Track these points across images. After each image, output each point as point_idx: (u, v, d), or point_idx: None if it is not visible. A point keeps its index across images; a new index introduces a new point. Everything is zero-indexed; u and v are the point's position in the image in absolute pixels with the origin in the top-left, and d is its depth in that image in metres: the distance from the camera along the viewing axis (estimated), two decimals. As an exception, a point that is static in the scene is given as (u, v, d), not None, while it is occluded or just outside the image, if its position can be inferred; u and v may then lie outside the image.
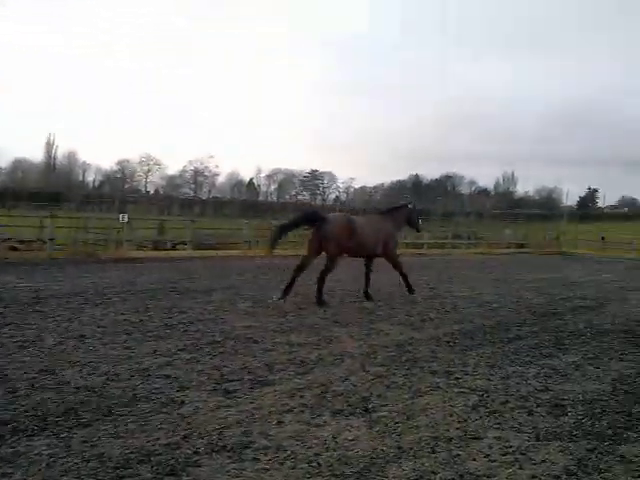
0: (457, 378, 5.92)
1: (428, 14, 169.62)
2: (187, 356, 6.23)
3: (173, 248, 22.01)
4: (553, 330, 8.82)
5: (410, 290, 11.37)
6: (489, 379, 5.96)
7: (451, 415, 4.82)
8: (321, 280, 10.10)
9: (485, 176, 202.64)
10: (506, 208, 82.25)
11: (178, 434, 4.10)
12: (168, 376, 5.47)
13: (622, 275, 19.25)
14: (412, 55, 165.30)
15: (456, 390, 5.52)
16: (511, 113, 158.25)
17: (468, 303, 11.07)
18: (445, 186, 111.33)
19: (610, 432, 4.58)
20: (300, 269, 10.21)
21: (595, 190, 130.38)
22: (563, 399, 5.39)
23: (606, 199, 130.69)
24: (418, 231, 13.14)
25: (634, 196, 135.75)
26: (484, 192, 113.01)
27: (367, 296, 10.99)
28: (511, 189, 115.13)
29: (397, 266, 11.33)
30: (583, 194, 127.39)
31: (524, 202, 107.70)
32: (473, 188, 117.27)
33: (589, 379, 6.16)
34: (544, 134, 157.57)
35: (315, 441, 4.13)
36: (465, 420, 4.71)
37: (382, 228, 10.97)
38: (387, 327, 8.36)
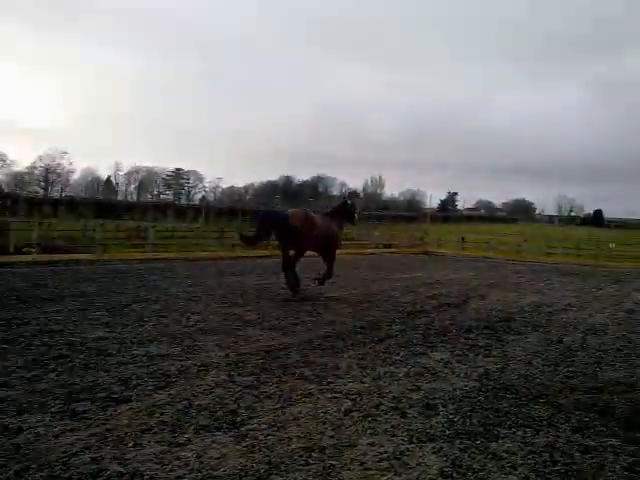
0: (329, 383, 5.84)
1: (297, 13, 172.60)
2: (28, 374, 5.56)
3: (17, 252, 20.11)
4: (421, 328, 9.12)
5: (321, 282, 12.45)
6: (362, 381, 5.95)
7: (324, 423, 4.70)
8: (294, 265, 11.66)
9: (355, 178, 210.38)
10: (374, 209, 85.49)
11: (10, 469, 3.57)
12: (3, 399, 4.82)
13: (481, 273, 20.59)
14: (281, 55, 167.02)
15: (329, 395, 5.43)
16: (380, 118, 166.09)
17: (339, 304, 11.16)
18: (317, 187, 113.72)
19: (481, 430, 4.72)
20: (287, 266, 11.63)
21: (455, 194, 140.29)
22: (434, 398, 5.50)
23: (465, 202, 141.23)
24: (353, 224, 14.48)
25: (490, 199, 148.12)
26: (354, 194, 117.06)
27: (321, 281, 12.47)
28: (379, 191, 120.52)
29: (331, 262, 12.68)
30: (444, 197, 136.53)
31: (391, 204, 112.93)
32: (344, 189, 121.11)
33: (458, 376, 6.37)
34: (410, 140, 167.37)
35: (177, 462, 3.80)
36: (338, 427, 4.62)
37: (330, 227, 12.36)
38: (257, 333, 8.13)
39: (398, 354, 7.26)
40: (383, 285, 14.88)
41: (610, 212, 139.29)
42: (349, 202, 13.14)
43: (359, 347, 7.53)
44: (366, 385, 5.83)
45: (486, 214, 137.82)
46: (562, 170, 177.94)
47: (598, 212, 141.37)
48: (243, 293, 11.99)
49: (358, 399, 5.36)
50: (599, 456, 4.26)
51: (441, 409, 5.20)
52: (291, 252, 11.71)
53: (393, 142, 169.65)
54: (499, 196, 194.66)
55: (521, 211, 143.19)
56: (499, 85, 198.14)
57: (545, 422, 4.99)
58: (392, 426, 4.71)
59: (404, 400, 5.41)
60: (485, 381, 6.23)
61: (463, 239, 38.30)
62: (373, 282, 15.43)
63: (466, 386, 5.99)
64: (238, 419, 4.69)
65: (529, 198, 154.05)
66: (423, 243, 36.17)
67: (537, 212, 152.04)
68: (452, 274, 19.49)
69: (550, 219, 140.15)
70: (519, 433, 4.69)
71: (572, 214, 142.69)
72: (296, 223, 11.21)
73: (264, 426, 4.56)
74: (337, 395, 5.45)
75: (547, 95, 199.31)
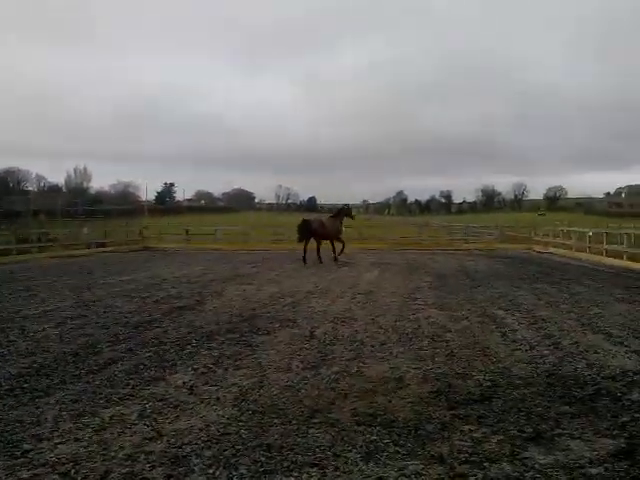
0: (25, 452, 4.12)
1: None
2: None
3: None
4: (153, 342, 7.68)
5: (336, 258, 21.02)
6: (77, 439, 4.36)
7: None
8: (318, 252, 20.71)
9: (56, 171, 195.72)
10: (81, 205, 79.21)
11: None
12: None
13: (212, 267, 19.68)
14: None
15: (24, 475, 3.75)
16: (85, 107, 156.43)
17: (40, 324, 9.00)
18: (6, 182, 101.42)
19: (253, 487, 3.59)
20: (305, 249, 20.34)
21: (172, 185, 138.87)
22: (183, 446, 4.21)
23: (185, 193, 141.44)
24: (353, 219, 24.19)
25: (208, 190, 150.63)
26: (55, 188, 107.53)
27: (335, 259, 20.98)
28: (85, 185, 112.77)
29: (342, 243, 21.51)
30: (160, 189, 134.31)
31: (101, 197, 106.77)
32: (42, 184, 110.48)
33: (209, 404, 5.17)
34: (119, 130, 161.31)
35: None
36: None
37: (334, 224, 21.59)
38: None
39: (127, 385, 5.75)
40: (99, 292, 12.85)
41: (322, 198, 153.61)
42: (346, 207, 23.43)
43: (72, 384, 5.80)
44: (85, 444, 4.26)
45: (206, 205, 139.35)
46: (279, 160, 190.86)
47: (312, 198, 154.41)
48: None
49: (73, 471, 3.80)
50: (408, 492, 3.48)
51: (195, 462, 3.94)
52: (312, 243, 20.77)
53: (100, 132, 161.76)
54: (218, 186, 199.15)
55: (241, 200, 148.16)
56: (214, 77, 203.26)
57: (329, 453, 4.07)
58: (126, 509, 3.31)
59: (141, 458, 4.01)
60: (244, 404, 5.14)
61: (187, 232, 37.21)
62: (86, 290, 13.29)
63: (222, 417, 4.82)
64: None
65: (248, 188, 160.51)
66: (143, 238, 34.10)
67: (257, 201, 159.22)
68: (180, 270, 18.21)
69: (270, 207, 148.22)
70: (303, 478, 3.68)
71: (289, 202, 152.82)
72: (315, 227, 20.43)
73: None
74: (38, 471, 3.80)
75: (267, 89, 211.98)
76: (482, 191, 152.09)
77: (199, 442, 4.28)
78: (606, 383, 5.78)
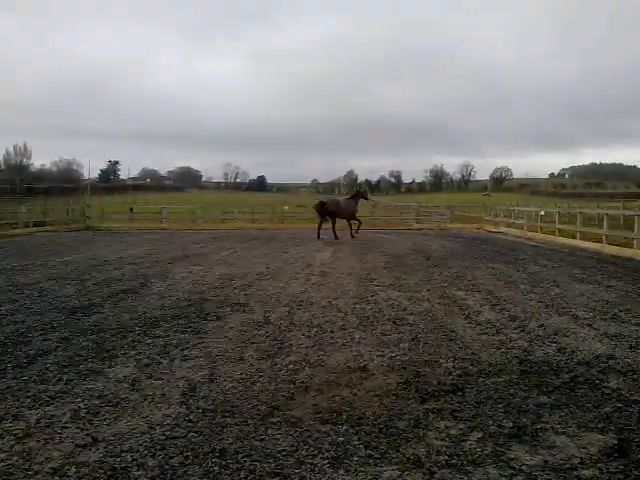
0: None
1: None
2: None
3: None
4: (91, 330, 7.02)
5: (355, 234, 22.63)
6: (-5, 448, 3.74)
7: None
8: (334, 228, 22.53)
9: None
10: (21, 183, 75.94)
11: None
12: None
13: (157, 247, 18.88)
14: None
15: None
16: (25, 81, 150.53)
17: (-34, 310, 8.21)
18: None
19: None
20: (320, 226, 22.70)
21: (116, 162, 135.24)
22: (122, 454, 3.65)
23: (130, 171, 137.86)
24: (367, 200, 26.21)
25: (154, 168, 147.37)
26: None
27: (352, 236, 22.60)
28: (25, 162, 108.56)
29: (355, 223, 23.19)
30: (104, 167, 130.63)
31: (42, 175, 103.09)
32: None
33: (153, 402, 4.60)
34: (60, 104, 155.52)
35: None
36: None
37: (350, 205, 23.27)
38: None
39: (60, 380, 5.12)
40: (34, 275, 11.96)
41: (272, 177, 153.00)
42: (361, 190, 25.83)
43: (-6, 380, 5.15)
44: (3, 456, 3.64)
45: (152, 183, 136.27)
46: (227, 138, 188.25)
47: (261, 177, 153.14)
48: None
49: (-14, 491, 3.21)
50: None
51: (137, 474, 3.40)
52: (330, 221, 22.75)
53: (40, 106, 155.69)
54: (164, 164, 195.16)
55: (188, 179, 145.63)
56: (159, 51, 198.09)
57: (292, 459, 3.59)
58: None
59: (72, 471, 3.44)
60: (193, 402, 4.60)
61: (132, 210, 35.92)
62: (20, 272, 12.37)
63: (168, 417, 4.27)
64: None
65: (195, 166, 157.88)
66: (85, 218, 32.72)
67: (204, 179, 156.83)
68: (123, 251, 17.34)
69: (218, 186, 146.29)
70: (265, 492, 3.19)
71: (237, 180, 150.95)
72: (331, 207, 22.28)
73: None
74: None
75: (211, 64, 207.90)
76: (430, 171, 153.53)
77: (141, 449, 3.73)
78: (581, 369, 5.48)
